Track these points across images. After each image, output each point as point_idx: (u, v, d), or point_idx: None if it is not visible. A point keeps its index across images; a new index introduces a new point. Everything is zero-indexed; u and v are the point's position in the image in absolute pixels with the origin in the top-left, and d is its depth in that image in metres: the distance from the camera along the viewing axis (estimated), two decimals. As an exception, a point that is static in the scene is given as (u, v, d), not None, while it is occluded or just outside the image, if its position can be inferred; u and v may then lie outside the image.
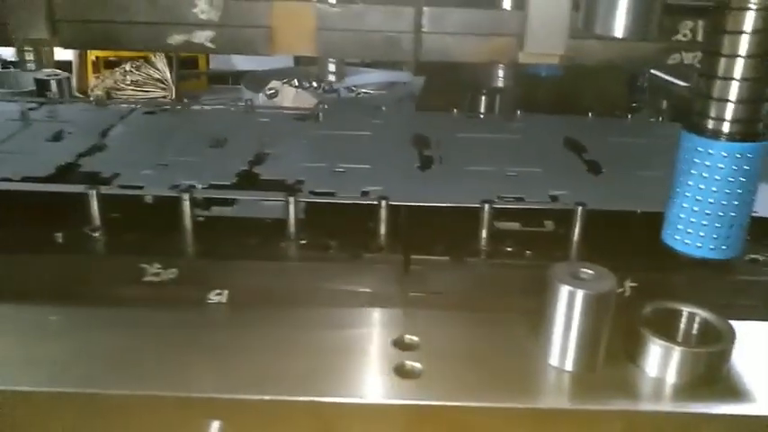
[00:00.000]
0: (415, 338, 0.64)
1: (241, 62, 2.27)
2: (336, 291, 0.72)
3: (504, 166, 0.89)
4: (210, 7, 0.64)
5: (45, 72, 1.04)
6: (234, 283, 0.72)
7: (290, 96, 2.07)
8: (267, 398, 0.56)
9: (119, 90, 2.20)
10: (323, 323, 0.67)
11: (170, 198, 0.79)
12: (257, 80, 2.13)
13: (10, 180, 0.83)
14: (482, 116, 1.02)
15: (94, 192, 0.77)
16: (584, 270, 0.60)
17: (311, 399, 0.57)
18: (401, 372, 0.60)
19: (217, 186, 0.83)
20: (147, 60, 2.24)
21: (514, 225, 0.79)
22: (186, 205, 0.77)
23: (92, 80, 2.25)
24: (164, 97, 2.17)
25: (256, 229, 0.79)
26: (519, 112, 1.00)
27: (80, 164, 0.90)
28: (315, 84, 2.13)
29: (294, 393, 0.57)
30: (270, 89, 2.08)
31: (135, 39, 0.66)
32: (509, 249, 0.75)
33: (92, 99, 1.53)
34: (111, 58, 2.30)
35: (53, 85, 1.05)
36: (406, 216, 0.79)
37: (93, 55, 2.24)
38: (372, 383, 0.59)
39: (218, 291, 0.73)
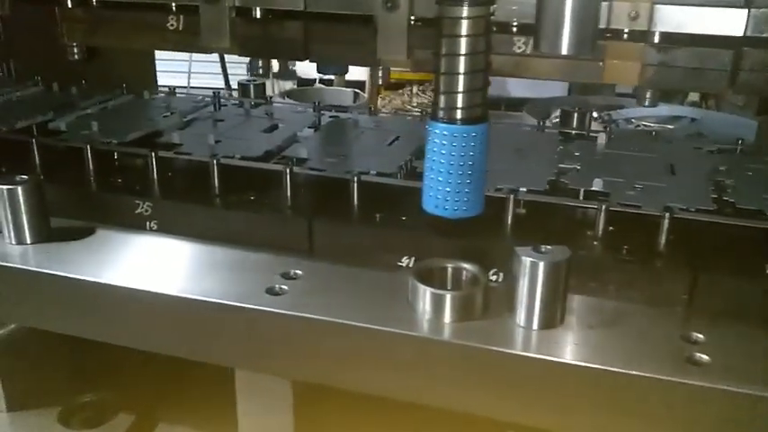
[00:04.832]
0: None
1: (514, 89, 2.40)
2: None
3: None
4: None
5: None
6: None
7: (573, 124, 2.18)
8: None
9: (405, 111, 2.35)
10: None
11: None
12: (538, 107, 2.25)
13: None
14: None
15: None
16: None
17: None
18: None
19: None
20: (431, 84, 2.39)
21: None
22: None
23: (379, 100, 2.41)
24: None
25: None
26: None
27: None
28: (595, 114, 2.23)
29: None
30: (556, 117, 2.20)
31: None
32: None
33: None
34: (391, 80, 2.45)
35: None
36: None
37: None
38: None
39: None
